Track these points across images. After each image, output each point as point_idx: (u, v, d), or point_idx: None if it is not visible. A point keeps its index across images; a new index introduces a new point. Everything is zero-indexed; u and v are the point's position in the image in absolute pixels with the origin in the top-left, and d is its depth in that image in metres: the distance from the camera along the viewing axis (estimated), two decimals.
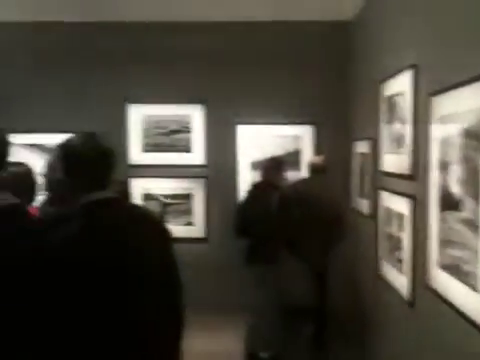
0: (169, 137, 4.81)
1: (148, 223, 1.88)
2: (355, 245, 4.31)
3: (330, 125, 4.67)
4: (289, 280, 3.98)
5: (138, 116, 4.79)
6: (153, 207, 4.66)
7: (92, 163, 1.77)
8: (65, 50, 4.72)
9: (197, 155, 4.80)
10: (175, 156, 4.80)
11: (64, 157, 1.79)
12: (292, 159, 4.61)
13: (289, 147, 4.71)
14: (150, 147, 4.81)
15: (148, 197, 4.79)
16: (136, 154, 4.80)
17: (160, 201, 4.79)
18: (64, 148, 1.79)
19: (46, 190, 2.36)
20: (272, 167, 4.00)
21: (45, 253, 1.61)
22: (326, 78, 4.67)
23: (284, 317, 3.98)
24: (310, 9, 4.33)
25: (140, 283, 1.76)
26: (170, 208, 4.79)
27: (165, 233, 1.93)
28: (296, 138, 4.72)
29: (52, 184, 2.34)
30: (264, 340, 3.92)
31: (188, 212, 4.83)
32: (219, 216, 4.75)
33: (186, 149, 4.80)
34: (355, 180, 4.34)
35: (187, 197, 4.82)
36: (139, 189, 4.75)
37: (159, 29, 4.66)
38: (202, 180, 4.80)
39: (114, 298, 1.69)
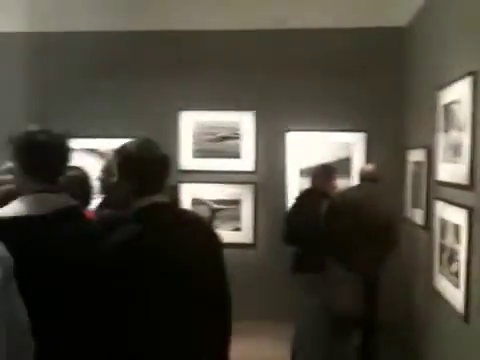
0: (219, 143, 4.86)
1: (199, 228, 1.91)
2: (408, 256, 4.19)
3: (382, 133, 4.58)
4: (337, 289, 3.91)
5: (189, 122, 4.87)
6: (202, 212, 4.72)
7: (147, 168, 1.82)
8: (118, 59, 4.86)
9: (246, 161, 4.82)
10: (224, 162, 4.85)
11: (121, 161, 1.85)
12: (342, 167, 4.55)
13: (339, 155, 4.65)
14: (200, 153, 4.88)
15: (197, 202, 4.86)
16: (186, 160, 4.88)
17: (209, 206, 4.84)
18: (121, 153, 1.85)
19: (101, 193, 2.44)
20: (322, 174, 3.96)
21: (103, 254, 1.67)
22: (378, 85, 4.59)
23: (331, 327, 3.91)
24: (362, 16, 4.27)
25: (191, 286, 1.78)
26: (219, 213, 4.83)
27: (215, 238, 1.95)
28: (347, 145, 4.66)
29: (108, 188, 2.42)
30: (311, 349, 3.87)
31: (236, 218, 4.85)
32: (267, 222, 4.75)
33: (235, 155, 4.84)
34: (408, 189, 4.23)
35: (236, 203, 4.84)
36: (189, 194, 4.82)
37: (210, 37, 4.73)
38: (251, 186, 4.82)
39: (167, 300, 1.73)
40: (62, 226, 1.70)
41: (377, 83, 4.59)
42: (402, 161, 4.40)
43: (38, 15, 4.42)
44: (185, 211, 2.15)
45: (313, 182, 3.99)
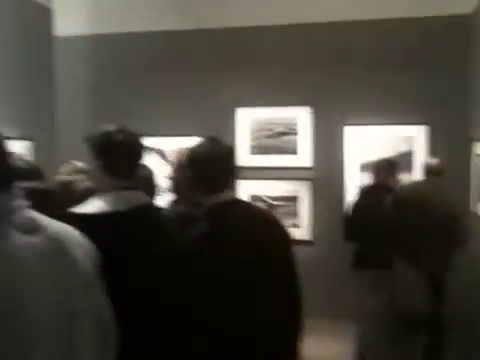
0: (276, 139, 4.84)
1: (270, 224, 1.91)
2: (475, 251, 4.02)
3: (446, 125, 4.42)
4: (403, 287, 3.81)
5: (245, 119, 4.87)
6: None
7: (218, 166, 1.84)
8: (175, 58, 4.93)
9: (303, 157, 4.78)
10: (281, 158, 4.82)
11: (192, 161, 1.88)
12: (403, 161, 4.42)
13: (400, 148, 4.52)
14: (257, 149, 4.87)
15: (254, 199, 4.85)
16: (243, 156, 4.89)
17: (266, 203, 4.83)
18: (192, 152, 1.88)
19: (171, 191, 2.47)
20: (385, 169, 3.86)
21: (184, 249, 1.70)
22: (441, 75, 4.42)
23: (396, 325, 3.82)
24: (424, 4, 4.13)
25: (263, 282, 1.78)
26: (276, 210, 4.81)
27: (286, 234, 1.94)
28: (409, 139, 4.52)
29: (178, 185, 2.45)
30: (374, 349, 3.79)
31: (294, 214, 4.82)
32: (325, 219, 4.69)
33: (292, 151, 4.80)
34: (474, 183, 4.06)
35: (293, 199, 4.81)
36: (246, 191, 4.83)
37: (267, 33, 4.71)
38: (308, 182, 4.77)
39: (241, 296, 1.73)
40: (143, 222, 1.73)
41: (440, 73, 4.43)
42: (467, 154, 4.23)
43: (98, 17, 4.55)
44: (255, 207, 2.16)
45: (376, 177, 3.89)
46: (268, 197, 4.84)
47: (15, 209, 1.27)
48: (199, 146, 1.91)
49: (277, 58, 4.74)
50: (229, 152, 1.88)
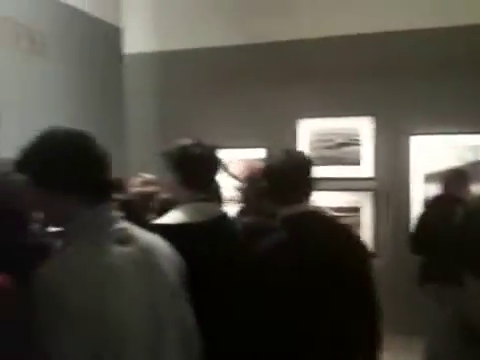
0: (337, 150, 4.81)
1: (350, 237, 1.91)
2: None
3: None
4: (473, 301, 3.66)
5: (306, 130, 4.88)
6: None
7: (295, 177, 1.86)
8: (237, 72, 5.01)
9: (365, 168, 4.72)
10: (343, 169, 4.78)
11: (269, 172, 1.91)
12: (472, 171, 4.27)
13: (468, 158, 4.37)
14: (318, 160, 4.85)
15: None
16: None
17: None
18: (269, 163, 1.92)
19: (240, 202, 2.52)
20: (455, 180, 3.75)
21: (258, 257, 1.74)
22: None
23: (465, 340, 3.67)
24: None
25: (343, 295, 1.78)
26: None
27: (363, 247, 1.93)
28: (475, 148, 4.37)
29: (247, 196, 2.49)
30: None
31: (356, 225, 4.75)
32: (389, 230, 4.60)
33: (354, 162, 4.75)
34: None
35: (355, 210, 4.75)
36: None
37: (328, 43, 4.71)
38: (370, 193, 4.70)
39: (318, 308, 1.74)
40: (220, 232, 1.79)
41: None
42: None
43: (165, 34, 4.73)
44: (334, 219, 2.16)
45: (445, 188, 3.78)
46: (329, 208, 4.80)
47: (111, 220, 1.35)
48: (274, 157, 1.94)
49: (338, 68, 4.73)
50: (306, 162, 1.91)
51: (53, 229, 1.59)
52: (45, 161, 1.25)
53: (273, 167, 1.90)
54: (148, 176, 3.23)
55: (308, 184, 1.91)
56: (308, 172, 1.91)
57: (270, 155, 1.99)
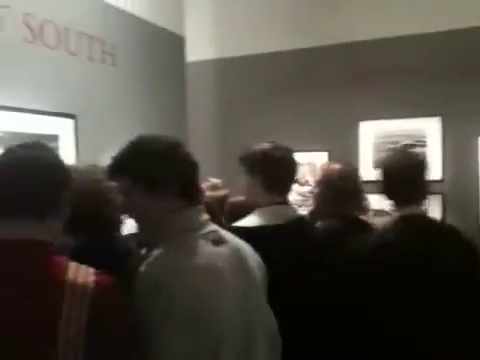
0: None
1: (459, 240, 1.87)
2: None
3: None
4: None
5: (369, 133, 4.80)
6: (384, 223, 4.58)
7: (405, 179, 1.85)
8: (296, 76, 5.01)
9: (433, 170, 4.56)
10: None
11: (384, 173, 1.91)
12: None
13: None
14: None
15: (380, 213, 4.73)
16: (367, 170, 4.80)
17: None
18: (383, 165, 1.92)
19: (315, 205, 2.52)
20: None
21: (358, 258, 1.74)
22: None
23: None
24: None
25: (450, 301, 1.74)
26: None
27: (474, 251, 1.89)
28: None
29: (319, 199, 2.49)
30: None
31: None
32: None
33: None
34: None
35: None
36: (371, 205, 4.72)
37: (391, 43, 4.62)
38: (438, 196, 4.55)
39: (421, 312, 1.71)
40: (300, 234, 1.80)
41: None
42: None
43: (226, 41, 4.80)
44: (443, 223, 2.14)
45: None
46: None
47: (203, 223, 1.39)
48: (390, 157, 1.95)
49: (399, 68, 4.62)
50: (422, 164, 1.89)
51: (131, 232, 1.65)
52: (147, 166, 1.29)
53: (388, 169, 1.90)
54: (215, 180, 3.28)
55: (418, 186, 1.90)
56: (419, 174, 1.90)
57: (383, 160, 1.98)
